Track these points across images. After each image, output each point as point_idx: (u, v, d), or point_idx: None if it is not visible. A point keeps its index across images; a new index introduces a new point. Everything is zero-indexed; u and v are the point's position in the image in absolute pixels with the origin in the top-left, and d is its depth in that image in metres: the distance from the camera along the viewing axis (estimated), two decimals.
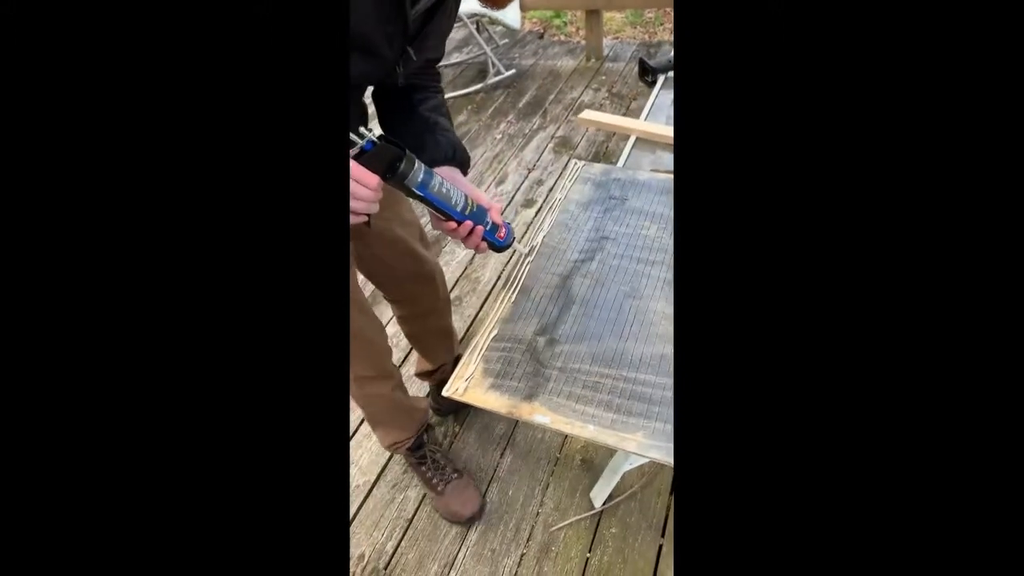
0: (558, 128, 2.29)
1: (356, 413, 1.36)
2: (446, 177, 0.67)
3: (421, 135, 0.72)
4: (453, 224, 0.67)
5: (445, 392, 0.67)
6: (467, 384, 0.67)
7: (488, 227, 0.70)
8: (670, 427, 0.60)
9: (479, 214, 0.69)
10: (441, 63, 2.96)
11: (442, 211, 0.65)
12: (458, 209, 0.66)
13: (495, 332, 0.73)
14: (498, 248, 0.74)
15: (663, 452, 0.58)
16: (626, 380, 0.65)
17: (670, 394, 0.63)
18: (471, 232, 0.68)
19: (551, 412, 0.63)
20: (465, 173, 0.75)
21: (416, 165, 0.61)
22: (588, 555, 1.09)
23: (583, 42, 2.78)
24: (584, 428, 0.61)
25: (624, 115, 2.24)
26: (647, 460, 1.13)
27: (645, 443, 0.59)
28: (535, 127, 2.33)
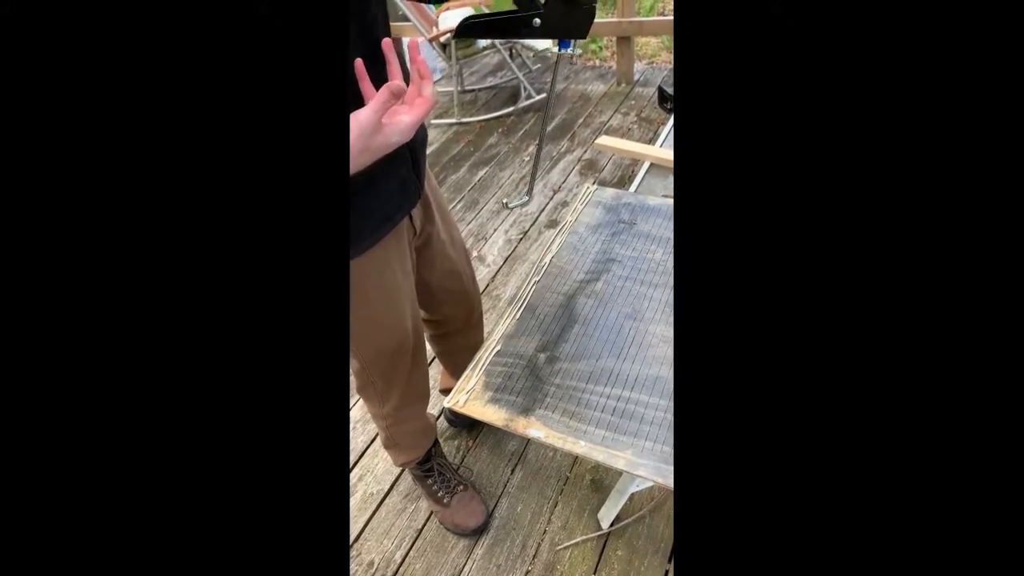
0: (585, 151, 2.33)
1: (371, 426, 1.41)
2: None
3: None
4: None
5: (446, 403, 0.70)
6: (467, 396, 0.70)
7: None
8: (659, 446, 0.61)
9: None
10: (475, 87, 2.99)
11: None
12: None
13: (498, 347, 0.76)
14: None
15: (651, 470, 0.60)
16: (620, 399, 0.67)
17: (661, 414, 0.65)
18: None
19: (545, 427, 0.65)
20: None
21: None
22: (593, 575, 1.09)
23: (615, 67, 2.83)
24: (576, 444, 0.63)
25: (650, 140, 2.26)
26: (656, 481, 1.13)
27: (634, 460, 0.60)
28: (563, 150, 2.37)
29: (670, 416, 0.64)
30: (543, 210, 2.06)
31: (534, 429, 0.65)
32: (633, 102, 2.60)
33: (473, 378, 0.72)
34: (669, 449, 0.61)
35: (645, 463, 0.60)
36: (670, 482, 0.58)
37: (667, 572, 1.08)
